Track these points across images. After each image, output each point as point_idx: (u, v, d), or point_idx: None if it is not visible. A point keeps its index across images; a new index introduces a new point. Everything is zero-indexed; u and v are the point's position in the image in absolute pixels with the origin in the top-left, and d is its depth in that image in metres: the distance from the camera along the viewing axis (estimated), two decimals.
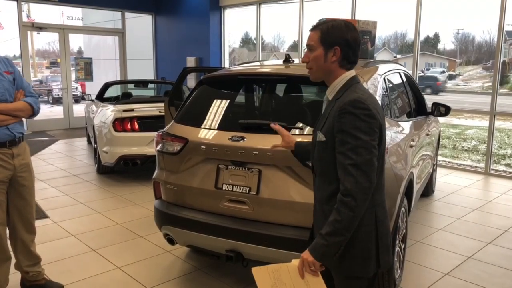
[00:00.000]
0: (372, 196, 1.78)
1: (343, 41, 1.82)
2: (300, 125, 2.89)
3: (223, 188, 2.96)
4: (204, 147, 3.03)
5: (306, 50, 1.91)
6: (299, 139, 2.42)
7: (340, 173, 1.74)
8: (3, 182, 2.94)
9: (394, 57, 16.11)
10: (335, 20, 1.88)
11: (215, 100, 3.32)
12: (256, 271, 1.88)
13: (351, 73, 1.88)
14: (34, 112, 3.02)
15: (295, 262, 1.80)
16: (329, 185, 1.84)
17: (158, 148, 3.31)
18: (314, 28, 1.88)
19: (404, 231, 3.43)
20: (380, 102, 3.21)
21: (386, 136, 1.87)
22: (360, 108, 1.73)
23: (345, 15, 8.46)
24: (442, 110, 4.74)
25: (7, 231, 3.11)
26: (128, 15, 12.42)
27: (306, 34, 9.82)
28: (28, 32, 10.92)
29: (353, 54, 1.85)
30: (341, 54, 1.83)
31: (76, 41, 19.59)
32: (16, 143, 2.97)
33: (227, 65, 11.16)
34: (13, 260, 3.20)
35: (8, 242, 3.13)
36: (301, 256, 1.77)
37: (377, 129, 1.75)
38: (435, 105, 4.75)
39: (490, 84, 10.34)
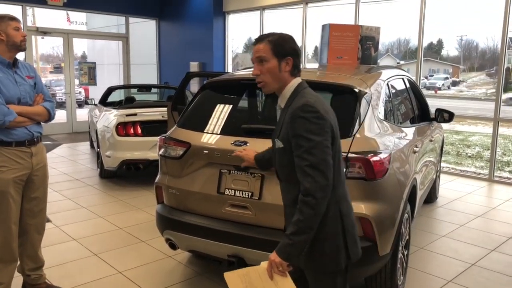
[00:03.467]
0: (335, 192, 1.88)
1: (293, 51, 1.94)
2: None
3: (226, 193, 2.95)
4: (206, 151, 3.03)
5: (255, 64, 1.96)
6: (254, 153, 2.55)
7: (298, 175, 1.82)
8: (20, 180, 2.99)
9: (398, 63, 16.11)
10: (277, 33, 1.97)
11: (218, 105, 3.32)
12: (228, 276, 1.94)
13: (298, 80, 1.97)
14: (50, 117, 3.13)
15: (264, 264, 1.86)
16: (294, 188, 1.90)
17: (160, 152, 3.31)
18: (261, 41, 1.94)
19: (407, 237, 3.41)
20: (383, 108, 3.21)
21: (338, 134, 1.94)
22: (310, 112, 1.81)
23: (349, 20, 8.47)
24: (446, 116, 4.73)
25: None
26: (132, 20, 12.48)
27: (310, 39, 9.90)
28: (33, 37, 10.99)
29: (299, 62, 1.99)
30: (293, 63, 1.93)
31: (80, 46, 19.69)
32: (35, 142, 3.06)
33: (230, 70, 11.18)
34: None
35: None
36: (269, 257, 1.84)
37: (328, 129, 1.83)
38: (439, 111, 4.74)
39: (493, 90, 10.32)
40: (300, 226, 1.78)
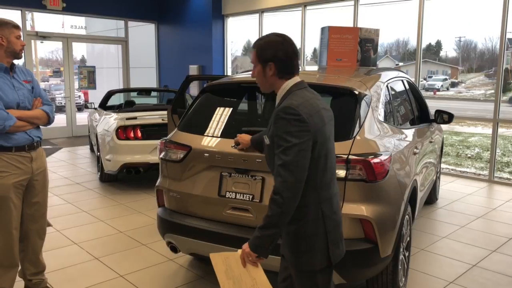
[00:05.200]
0: (318, 193, 1.95)
1: (273, 57, 1.97)
2: None
3: (226, 196, 2.96)
4: (207, 154, 3.03)
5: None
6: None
7: (273, 173, 1.91)
8: (21, 185, 2.99)
9: (397, 64, 16.12)
10: (268, 36, 2.02)
11: (218, 108, 3.33)
12: (213, 256, 2.05)
13: (293, 80, 2.01)
14: (49, 120, 3.14)
15: (240, 252, 1.96)
16: None
17: (161, 156, 3.32)
18: (254, 45, 2.04)
19: (408, 238, 3.41)
20: (383, 110, 3.22)
21: (326, 137, 1.97)
22: (291, 114, 1.86)
23: (347, 23, 8.49)
24: (445, 117, 4.74)
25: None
26: (131, 23, 12.50)
27: (309, 41, 9.91)
28: (32, 41, 11.00)
29: (289, 65, 2.00)
30: (276, 68, 1.98)
31: (79, 50, 19.71)
32: (35, 147, 3.06)
33: (229, 73, 11.19)
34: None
35: None
36: (242, 246, 1.95)
37: (307, 132, 1.87)
38: (438, 112, 4.75)
39: (492, 91, 10.34)
40: (268, 221, 1.86)
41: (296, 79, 2.02)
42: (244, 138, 2.76)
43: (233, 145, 2.86)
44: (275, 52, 1.98)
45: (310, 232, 1.96)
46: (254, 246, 1.89)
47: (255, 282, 1.94)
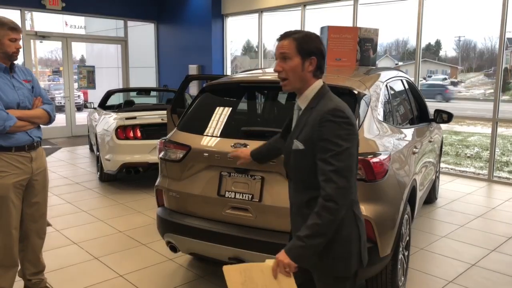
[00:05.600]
0: (351, 196, 1.85)
1: (318, 51, 1.87)
2: None
3: (226, 196, 2.96)
4: (206, 154, 3.03)
5: (277, 60, 1.90)
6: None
7: (321, 179, 1.77)
8: (20, 185, 2.99)
9: (396, 64, 16.13)
10: (302, 30, 1.92)
11: (217, 108, 3.33)
12: (226, 269, 1.90)
13: (321, 82, 1.92)
14: (50, 119, 3.14)
15: (269, 262, 1.82)
16: (307, 190, 1.88)
17: (160, 155, 3.32)
18: (286, 37, 1.87)
19: (407, 238, 3.41)
20: (382, 109, 3.22)
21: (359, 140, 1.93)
22: (340, 117, 1.78)
23: (347, 22, 8.49)
24: (445, 117, 4.74)
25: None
26: (130, 23, 12.49)
27: None
28: (31, 41, 11.00)
29: (324, 64, 1.92)
30: (317, 63, 1.87)
31: (78, 50, 19.70)
32: (35, 147, 3.06)
33: (229, 73, 11.19)
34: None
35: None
36: (276, 257, 1.79)
37: (355, 136, 1.82)
38: (438, 112, 4.75)
39: (492, 91, 10.35)
40: (316, 230, 1.74)
41: (321, 81, 1.93)
42: (244, 152, 2.60)
43: (229, 156, 2.80)
44: (319, 46, 1.88)
45: (346, 237, 1.87)
46: (296, 256, 1.75)
47: None
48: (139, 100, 9.07)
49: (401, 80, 4.23)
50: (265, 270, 1.83)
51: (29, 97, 3.04)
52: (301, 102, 1.94)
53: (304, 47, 1.84)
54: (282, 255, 1.77)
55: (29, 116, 2.98)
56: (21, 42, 2.98)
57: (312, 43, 1.86)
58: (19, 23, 10.41)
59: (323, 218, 1.73)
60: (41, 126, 3.13)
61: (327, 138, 1.76)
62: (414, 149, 3.63)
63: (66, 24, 13.22)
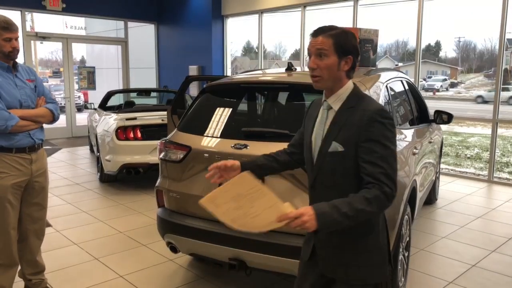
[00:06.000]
0: None
1: (355, 50, 1.80)
2: None
3: None
4: (207, 155, 3.03)
5: (312, 56, 1.80)
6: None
7: (369, 180, 1.68)
8: (19, 186, 2.98)
9: (396, 65, 16.15)
10: (338, 27, 1.82)
11: (217, 108, 3.33)
12: (203, 201, 1.73)
13: (351, 82, 1.86)
14: (54, 118, 3.12)
15: (287, 205, 1.61)
16: (340, 195, 1.74)
17: (161, 156, 3.32)
18: (323, 33, 1.77)
19: (407, 239, 3.41)
20: None
21: None
22: (387, 118, 1.73)
23: (347, 23, 8.50)
24: (445, 117, 4.74)
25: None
26: (131, 24, 12.50)
27: (308, 42, 9.86)
28: (32, 42, 11.01)
29: (357, 63, 1.84)
30: (352, 63, 1.80)
31: (79, 50, 19.72)
32: (36, 149, 3.04)
33: (229, 73, 11.19)
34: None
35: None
36: (301, 210, 1.58)
37: (396, 137, 1.77)
38: (438, 112, 4.75)
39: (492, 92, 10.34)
40: (357, 214, 1.62)
41: (352, 81, 1.85)
42: (232, 166, 2.06)
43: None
44: (355, 44, 1.79)
45: (382, 243, 1.84)
46: (324, 225, 1.59)
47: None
48: (139, 101, 9.08)
49: (401, 81, 4.23)
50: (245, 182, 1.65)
51: (31, 96, 3.02)
52: (332, 101, 1.84)
53: (342, 45, 1.76)
54: (308, 213, 1.58)
55: (32, 115, 2.96)
56: (20, 42, 2.95)
57: (350, 42, 1.78)
58: (19, 24, 10.46)
59: (371, 207, 1.63)
60: (43, 125, 3.11)
61: (376, 139, 1.70)
62: (414, 150, 3.63)
63: (66, 26, 13.22)
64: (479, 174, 7.75)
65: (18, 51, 2.93)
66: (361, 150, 1.72)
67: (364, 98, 1.83)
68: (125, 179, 6.83)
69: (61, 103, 14.41)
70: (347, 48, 1.77)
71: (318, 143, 1.86)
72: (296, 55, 10.59)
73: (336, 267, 1.86)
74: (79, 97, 16.85)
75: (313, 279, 1.97)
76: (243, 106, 3.65)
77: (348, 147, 1.75)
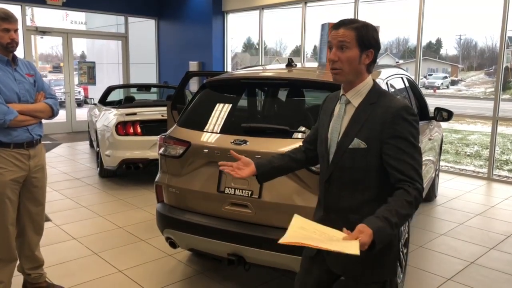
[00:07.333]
0: None
1: (376, 44, 1.78)
2: (303, 129, 2.89)
3: (226, 192, 2.96)
4: (206, 150, 3.03)
5: (334, 48, 1.76)
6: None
7: (400, 178, 1.67)
8: (17, 182, 2.97)
9: (397, 62, 16.13)
10: (358, 20, 1.80)
11: (217, 104, 3.33)
12: (296, 217, 1.69)
13: (371, 77, 1.84)
14: (53, 113, 3.09)
15: (341, 235, 1.52)
16: (361, 193, 1.77)
17: (160, 151, 3.32)
18: (345, 26, 1.75)
19: (406, 236, 3.42)
20: None
21: None
22: (412, 115, 1.72)
23: None
24: (445, 115, 4.74)
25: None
26: (131, 19, 12.47)
27: (309, 38, 9.90)
28: (32, 36, 10.99)
29: (377, 58, 1.83)
30: (373, 57, 1.78)
31: (79, 45, 19.67)
32: (34, 144, 3.01)
33: (229, 69, 11.17)
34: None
35: None
36: (359, 228, 1.51)
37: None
38: (438, 110, 4.75)
39: (492, 89, 10.34)
40: (403, 220, 1.61)
41: (371, 76, 1.83)
42: (245, 164, 2.04)
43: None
44: (377, 38, 1.78)
45: (393, 241, 1.82)
46: (381, 241, 1.52)
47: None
48: (139, 96, 9.07)
49: (402, 78, 4.23)
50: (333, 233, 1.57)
51: (30, 91, 3.00)
52: (352, 96, 1.81)
53: (364, 38, 1.74)
54: (366, 233, 1.49)
55: (31, 110, 2.94)
56: (20, 36, 2.91)
57: (371, 35, 1.75)
58: (19, 18, 10.43)
59: (412, 209, 1.64)
60: (42, 121, 3.10)
61: (402, 136, 1.68)
62: None
63: (66, 19, 13.18)
64: (478, 172, 7.75)
65: (17, 43, 2.89)
66: (387, 147, 1.70)
67: (385, 94, 1.81)
68: (124, 174, 6.83)
69: (61, 98, 14.42)
70: (368, 42, 1.75)
71: (335, 138, 1.83)
72: (296, 51, 10.57)
73: (347, 265, 1.83)
74: (79, 92, 16.82)
75: (319, 275, 1.95)
76: (243, 102, 3.65)
77: (371, 144, 1.73)
